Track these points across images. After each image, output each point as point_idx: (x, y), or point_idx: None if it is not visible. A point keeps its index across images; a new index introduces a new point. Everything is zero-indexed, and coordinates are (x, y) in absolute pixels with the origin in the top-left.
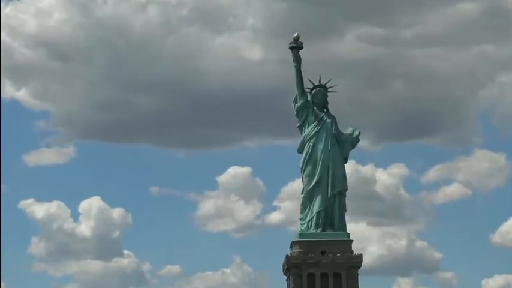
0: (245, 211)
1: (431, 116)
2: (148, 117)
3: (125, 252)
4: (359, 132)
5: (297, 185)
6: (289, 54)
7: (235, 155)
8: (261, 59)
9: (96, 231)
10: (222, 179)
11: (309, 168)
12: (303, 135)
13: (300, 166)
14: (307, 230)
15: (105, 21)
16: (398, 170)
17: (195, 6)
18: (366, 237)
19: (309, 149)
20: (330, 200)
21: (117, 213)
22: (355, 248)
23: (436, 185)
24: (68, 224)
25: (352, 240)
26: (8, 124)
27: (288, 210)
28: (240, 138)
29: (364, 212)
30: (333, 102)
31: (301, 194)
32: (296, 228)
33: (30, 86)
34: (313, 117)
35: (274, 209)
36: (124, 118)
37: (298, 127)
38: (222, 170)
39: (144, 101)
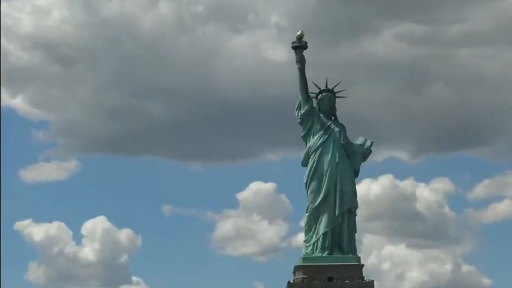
0: (269, 232)
1: (479, 124)
2: (160, 126)
3: (134, 279)
4: (371, 143)
5: None
6: (319, 55)
7: (258, 169)
8: (287, 61)
9: (102, 256)
10: (243, 196)
11: (314, 183)
12: (308, 146)
13: (305, 181)
14: (313, 253)
15: (111, 20)
16: (442, 185)
17: (211, 2)
18: (406, 261)
19: (314, 162)
20: (337, 219)
21: (124, 235)
22: (394, 273)
23: (484, 202)
24: (70, 248)
25: (362, 265)
26: (3, 135)
27: None
28: (263, 150)
29: (403, 233)
30: (366, 108)
31: (306, 212)
32: None
33: (28, 93)
34: (319, 126)
35: (302, 229)
36: (133, 128)
37: (302, 137)
38: (243, 186)
39: (155, 109)
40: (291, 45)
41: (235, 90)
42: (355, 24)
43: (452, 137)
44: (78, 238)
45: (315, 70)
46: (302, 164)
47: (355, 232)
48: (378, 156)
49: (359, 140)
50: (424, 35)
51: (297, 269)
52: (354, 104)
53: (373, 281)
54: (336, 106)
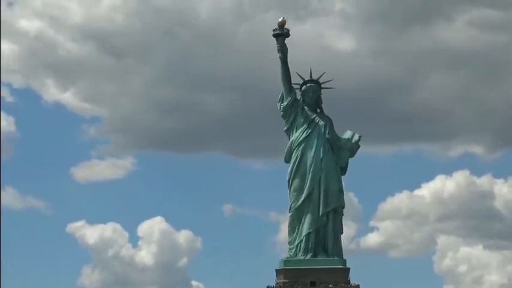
0: None
1: None
2: (220, 121)
3: (194, 283)
4: (359, 137)
5: (398, 201)
6: (388, 44)
7: None
8: (353, 50)
9: (159, 259)
10: None
11: (296, 181)
12: (290, 141)
13: (287, 178)
14: (296, 255)
15: (165, 9)
16: None
17: None
18: (483, 264)
19: (296, 158)
20: (321, 219)
21: (183, 236)
22: (471, 276)
23: None
24: (126, 250)
25: (349, 268)
26: (53, 132)
27: (388, 231)
28: None
29: (480, 233)
30: (439, 100)
31: (289, 212)
32: (397, 252)
33: (78, 87)
34: (302, 119)
35: (371, 230)
36: (191, 123)
37: (285, 131)
38: None
39: (214, 103)
40: (272, 32)
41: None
42: (426, 10)
43: None
44: (134, 240)
45: (384, 59)
46: (285, 160)
47: (341, 233)
48: (452, 151)
49: (346, 134)
50: (499, 21)
51: (278, 272)
52: (425, 96)
53: (358, 285)
54: (401, 98)
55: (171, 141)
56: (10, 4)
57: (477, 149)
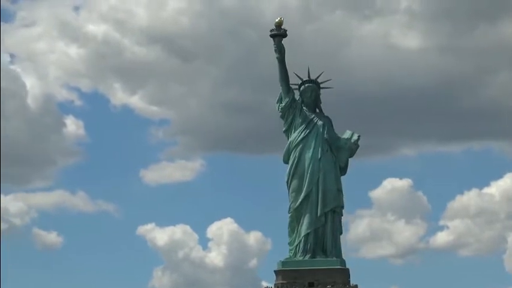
0: (406, 232)
1: None
2: None
3: (264, 284)
4: (358, 136)
5: (467, 200)
6: (454, 41)
7: (392, 165)
8: (419, 48)
9: (230, 260)
10: (377, 194)
11: (295, 181)
12: (289, 142)
13: (286, 179)
14: (295, 256)
15: (230, 10)
16: None
17: None
18: None
19: (294, 159)
20: (320, 220)
21: (253, 237)
22: None
23: None
24: (196, 252)
25: (348, 269)
26: (121, 135)
27: (458, 230)
28: (397, 145)
29: None
30: (507, 98)
31: (288, 213)
32: (467, 251)
33: (146, 90)
34: (300, 120)
35: (441, 228)
36: (260, 124)
37: (284, 132)
38: (377, 184)
39: None
40: (269, 32)
41: (365, 81)
42: (493, 6)
43: None
44: (204, 242)
45: (451, 56)
46: (283, 161)
47: (341, 233)
48: None
49: (346, 134)
50: None
51: (277, 274)
52: (494, 93)
53: (356, 285)
54: (469, 95)
55: (239, 142)
56: (76, 8)
57: None
